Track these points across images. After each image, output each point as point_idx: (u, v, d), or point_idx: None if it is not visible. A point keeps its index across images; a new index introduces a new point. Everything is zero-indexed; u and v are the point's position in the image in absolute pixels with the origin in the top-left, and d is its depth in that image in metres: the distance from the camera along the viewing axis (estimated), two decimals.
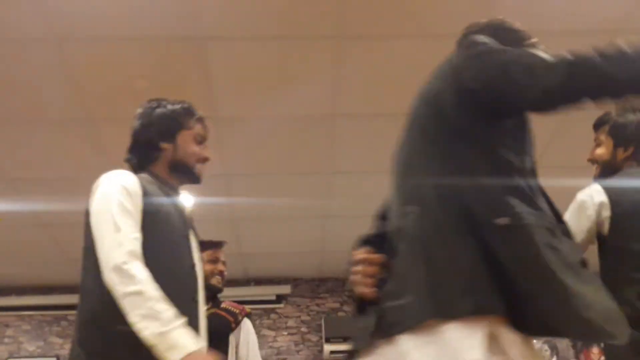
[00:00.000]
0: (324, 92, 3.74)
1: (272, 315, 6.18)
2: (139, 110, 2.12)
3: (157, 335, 1.56)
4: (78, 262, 6.14)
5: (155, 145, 2.00)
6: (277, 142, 4.17)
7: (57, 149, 4.09)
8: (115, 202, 1.82)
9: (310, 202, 4.90)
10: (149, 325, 1.56)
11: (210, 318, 2.06)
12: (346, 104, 3.83)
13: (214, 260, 2.88)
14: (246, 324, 2.67)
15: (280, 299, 6.20)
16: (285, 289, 6.17)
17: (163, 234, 1.83)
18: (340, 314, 6.14)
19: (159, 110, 2.05)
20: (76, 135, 3.97)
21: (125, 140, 4.32)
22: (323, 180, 4.63)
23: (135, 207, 1.81)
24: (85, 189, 4.78)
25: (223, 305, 2.69)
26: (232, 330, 2.27)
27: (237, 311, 2.61)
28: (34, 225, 5.01)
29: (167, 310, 1.60)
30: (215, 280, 2.83)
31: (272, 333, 6.07)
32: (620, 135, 2.29)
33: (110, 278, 1.66)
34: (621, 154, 2.28)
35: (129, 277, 1.63)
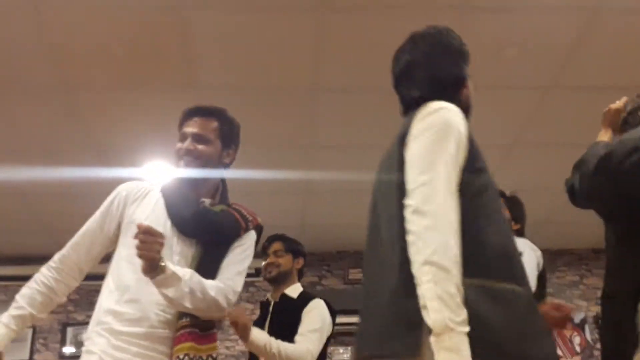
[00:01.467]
0: (306, 65, 3.70)
1: (251, 289, 6.18)
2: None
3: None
4: (55, 232, 6.17)
5: None
6: (257, 114, 4.13)
7: (34, 117, 4.02)
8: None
9: (291, 175, 4.89)
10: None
11: (220, 215, 2.02)
12: (328, 77, 3.80)
13: None
14: (251, 237, 2.28)
15: (259, 272, 6.19)
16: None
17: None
18: (318, 287, 6.17)
19: None
20: (53, 102, 3.90)
21: (103, 107, 4.27)
22: (304, 153, 4.62)
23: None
24: (62, 157, 4.75)
25: (235, 205, 2.32)
26: (239, 236, 2.09)
27: (250, 218, 2.31)
28: (10, 194, 4.94)
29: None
30: None
31: (251, 306, 6.08)
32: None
33: None
34: None
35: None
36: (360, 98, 3.97)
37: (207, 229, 1.97)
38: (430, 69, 1.64)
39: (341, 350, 5.88)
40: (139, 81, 3.74)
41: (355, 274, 6.26)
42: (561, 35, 3.54)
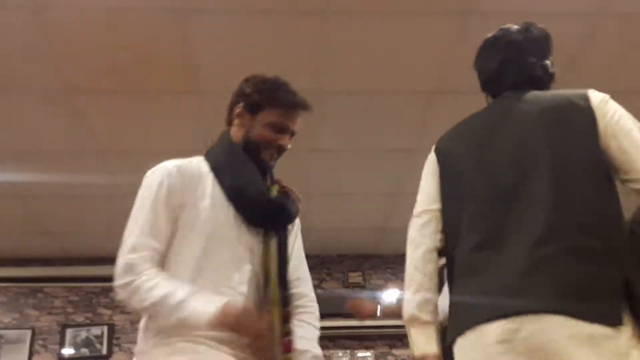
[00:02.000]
0: (307, 68, 3.71)
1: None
2: None
3: None
4: (54, 234, 6.16)
5: None
6: None
7: (35, 120, 4.02)
8: None
9: (289, 179, 4.88)
10: None
11: (284, 199, 1.84)
12: (329, 81, 3.80)
13: None
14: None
15: None
16: None
17: None
18: (318, 290, 6.17)
19: None
20: (55, 106, 3.90)
21: (105, 112, 4.28)
22: (304, 157, 4.62)
23: None
24: (63, 160, 4.74)
25: (280, 182, 2.07)
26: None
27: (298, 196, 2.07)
28: (10, 197, 4.94)
29: None
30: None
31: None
32: None
33: None
34: None
35: None
36: (360, 102, 3.98)
37: (281, 218, 1.82)
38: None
39: (340, 354, 5.87)
40: (141, 86, 3.75)
41: (354, 277, 6.27)
42: (564, 41, 3.54)
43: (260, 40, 3.46)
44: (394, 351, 5.99)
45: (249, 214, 1.75)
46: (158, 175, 1.77)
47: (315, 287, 6.79)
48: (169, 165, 1.80)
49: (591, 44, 3.54)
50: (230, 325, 1.53)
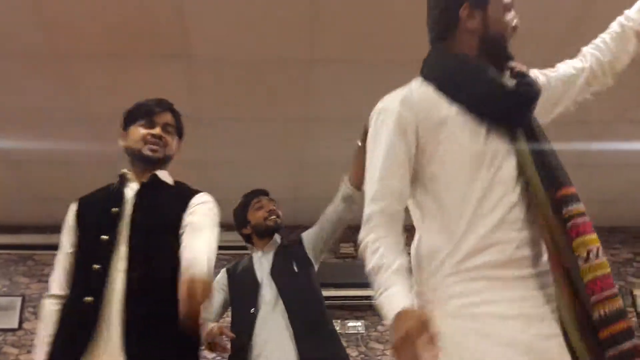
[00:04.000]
0: (301, 36, 3.65)
1: None
2: None
3: None
4: (46, 201, 6.13)
5: None
6: (251, 86, 4.09)
7: (25, 86, 3.96)
8: None
9: (284, 148, 4.86)
10: None
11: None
12: (323, 49, 3.75)
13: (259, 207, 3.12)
14: None
15: None
16: None
17: None
18: (330, 261, 6.21)
19: None
20: (45, 71, 3.83)
21: (95, 76, 4.21)
22: (298, 126, 4.59)
23: None
24: (53, 126, 4.71)
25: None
26: None
27: None
28: (1, 163, 4.90)
29: None
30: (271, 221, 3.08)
31: None
32: None
33: None
34: None
35: None
36: (355, 71, 3.93)
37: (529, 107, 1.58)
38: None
39: None
40: (132, 51, 3.68)
41: (346, 248, 6.28)
42: (555, 21, 3.50)
43: (252, 5, 3.40)
44: (385, 321, 6.04)
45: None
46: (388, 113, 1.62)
47: None
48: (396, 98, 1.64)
49: (594, 5, 3.49)
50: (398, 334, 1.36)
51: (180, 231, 2.03)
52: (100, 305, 1.91)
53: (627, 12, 1.84)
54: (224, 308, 3.08)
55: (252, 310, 2.80)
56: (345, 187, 2.90)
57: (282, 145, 4.81)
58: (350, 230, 6.50)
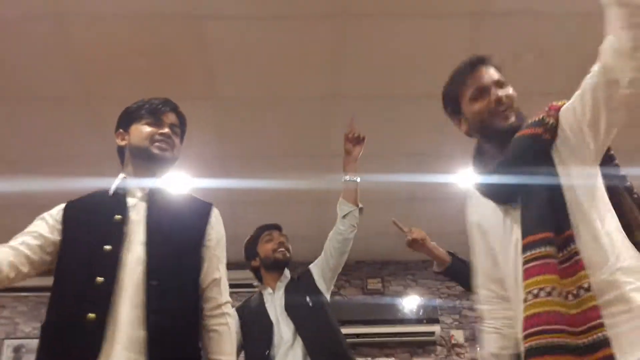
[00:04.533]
0: (325, 73, 3.70)
1: None
2: None
3: None
4: None
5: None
6: (275, 124, 4.13)
7: (55, 128, 4.05)
8: None
9: (308, 185, 4.88)
10: None
11: None
12: (347, 85, 3.79)
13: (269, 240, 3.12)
14: None
15: None
16: None
17: None
18: (337, 297, 6.15)
19: None
20: (74, 113, 3.93)
21: None
22: (322, 162, 4.60)
23: None
24: (83, 167, 4.79)
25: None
26: None
27: None
28: (30, 206, 4.98)
29: None
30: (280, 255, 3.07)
31: None
32: None
33: None
34: None
35: None
36: (378, 106, 3.96)
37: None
38: None
39: None
40: (159, 92, 3.72)
41: (373, 284, 6.23)
42: (580, 41, 3.50)
43: (277, 45, 3.46)
44: (415, 358, 5.94)
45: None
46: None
47: (334, 293, 6.81)
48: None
49: None
50: None
51: (204, 244, 1.94)
52: (106, 322, 1.72)
53: None
54: (237, 351, 3.03)
55: (267, 352, 2.75)
56: (343, 206, 2.92)
57: (306, 180, 4.84)
58: (377, 266, 6.50)
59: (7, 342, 5.92)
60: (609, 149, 1.70)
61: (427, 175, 4.57)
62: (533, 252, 1.58)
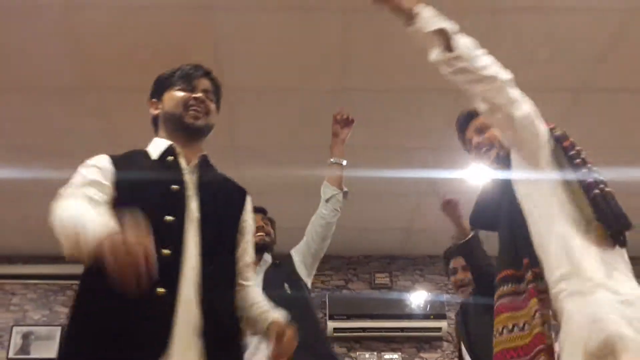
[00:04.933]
0: (333, 65, 3.68)
1: None
2: None
3: None
4: None
5: None
6: (285, 115, 4.12)
7: (60, 117, 4.06)
8: None
9: (317, 177, 4.86)
10: None
11: None
12: (355, 79, 3.77)
13: None
14: None
15: None
16: None
17: None
18: (344, 291, 6.14)
19: None
20: (81, 104, 3.94)
21: (130, 109, 4.30)
22: (327, 156, 4.59)
23: None
24: (88, 157, 4.76)
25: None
26: None
27: None
28: (40, 194, 5.00)
29: None
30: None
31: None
32: None
33: None
34: None
35: None
36: (387, 99, 3.94)
37: None
38: None
39: (367, 355, 5.83)
40: None
41: (381, 278, 6.22)
42: (595, 36, 3.46)
43: (285, 36, 3.45)
44: (422, 354, 5.93)
45: None
46: None
47: (341, 287, 6.78)
48: None
49: (622, 40, 3.45)
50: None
51: (240, 229, 1.85)
52: (176, 299, 1.57)
53: None
54: None
55: None
56: (326, 189, 2.88)
57: (314, 173, 4.83)
58: (385, 261, 6.47)
59: (16, 328, 5.97)
60: (569, 149, 1.79)
61: (436, 170, 4.54)
62: (503, 288, 1.77)
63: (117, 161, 1.80)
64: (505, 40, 3.34)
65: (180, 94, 1.90)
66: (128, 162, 1.82)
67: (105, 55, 3.53)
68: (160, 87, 1.98)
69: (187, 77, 1.94)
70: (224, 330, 1.67)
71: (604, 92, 3.87)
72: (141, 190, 1.70)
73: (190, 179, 1.78)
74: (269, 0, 3.23)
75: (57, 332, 5.95)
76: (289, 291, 2.82)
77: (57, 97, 3.88)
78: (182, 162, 1.82)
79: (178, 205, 1.69)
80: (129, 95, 3.88)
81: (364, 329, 5.73)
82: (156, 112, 1.97)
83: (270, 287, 2.80)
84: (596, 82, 3.78)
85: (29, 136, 4.28)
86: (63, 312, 6.07)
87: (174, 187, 1.72)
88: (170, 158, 1.81)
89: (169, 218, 1.66)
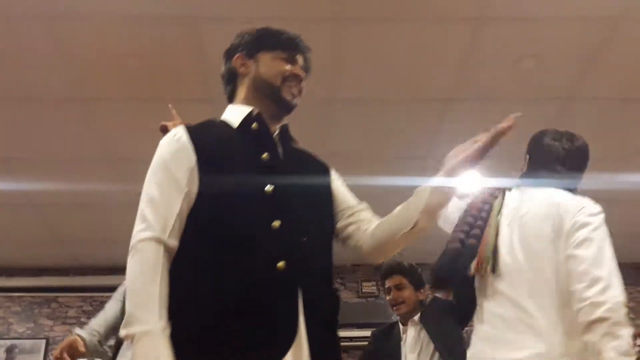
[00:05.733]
0: (322, 76, 3.69)
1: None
2: None
3: None
4: (68, 244, 6.15)
5: None
6: None
7: (49, 128, 4.03)
8: None
9: None
10: None
11: None
12: (345, 89, 3.78)
13: None
14: None
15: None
16: None
17: None
18: (352, 301, 6.15)
19: None
20: (69, 114, 3.91)
21: (119, 120, 4.28)
22: None
23: None
24: (77, 168, 4.76)
25: None
26: None
27: None
28: (24, 206, 4.96)
29: None
30: None
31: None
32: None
33: None
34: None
35: None
36: (375, 109, 3.95)
37: None
38: None
39: None
40: (154, 93, 3.75)
41: (368, 287, 6.22)
42: (580, 46, 3.50)
43: None
44: None
45: None
46: None
47: (349, 297, 6.73)
48: None
49: (609, 49, 3.49)
50: None
51: (333, 195, 1.73)
52: (298, 275, 1.44)
53: None
54: None
55: None
56: None
57: None
58: (372, 269, 6.46)
59: (0, 342, 5.89)
60: None
61: (426, 179, 4.56)
62: None
63: (197, 137, 1.60)
64: (492, 49, 3.37)
65: (283, 64, 1.70)
66: (208, 132, 1.67)
67: (93, 66, 3.52)
68: (255, 44, 1.76)
69: (292, 46, 1.74)
70: (324, 309, 1.56)
71: (591, 100, 3.91)
72: (224, 156, 1.57)
73: (285, 150, 1.67)
74: (257, 11, 3.23)
75: (42, 345, 5.88)
76: None
77: (46, 107, 3.85)
78: (268, 131, 1.66)
79: (272, 175, 1.55)
80: (119, 106, 3.87)
81: (351, 339, 5.72)
82: (241, 69, 1.75)
83: None
84: (583, 90, 3.82)
85: (16, 147, 4.24)
86: (47, 324, 6.01)
87: (264, 155, 1.59)
88: (254, 125, 1.64)
89: (269, 189, 1.52)
